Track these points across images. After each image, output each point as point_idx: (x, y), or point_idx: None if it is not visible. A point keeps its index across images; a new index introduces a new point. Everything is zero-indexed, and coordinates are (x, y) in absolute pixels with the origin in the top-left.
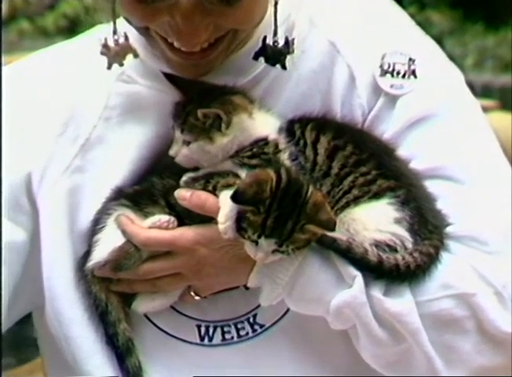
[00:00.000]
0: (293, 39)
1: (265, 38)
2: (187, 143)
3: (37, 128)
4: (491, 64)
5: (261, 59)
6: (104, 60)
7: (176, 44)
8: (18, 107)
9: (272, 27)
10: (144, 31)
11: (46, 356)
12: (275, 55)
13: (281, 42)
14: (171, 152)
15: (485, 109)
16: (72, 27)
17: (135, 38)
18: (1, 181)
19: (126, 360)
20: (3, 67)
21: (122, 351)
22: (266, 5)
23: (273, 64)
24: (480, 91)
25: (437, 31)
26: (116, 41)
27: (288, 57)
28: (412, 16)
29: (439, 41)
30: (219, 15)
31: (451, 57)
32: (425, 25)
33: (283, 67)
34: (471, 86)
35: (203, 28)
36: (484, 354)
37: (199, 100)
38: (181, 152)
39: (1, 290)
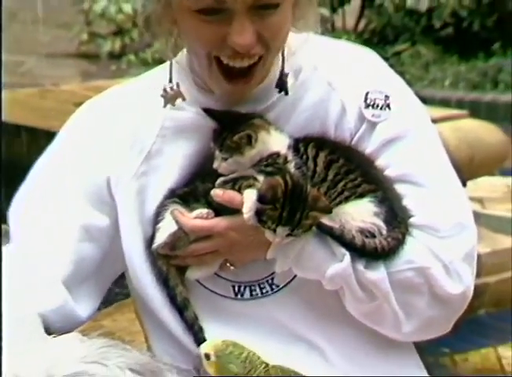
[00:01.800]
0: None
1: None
2: (225, 159)
3: (113, 144)
4: (464, 85)
5: (274, 92)
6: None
7: (228, 58)
8: (101, 127)
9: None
10: (206, 62)
11: (136, 302)
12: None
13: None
14: (215, 166)
15: (459, 117)
16: (164, 60)
17: (189, 83)
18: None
19: (184, 314)
20: (98, 98)
21: (180, 307)
22: (288, 34)
23: (286, 94)
24: (455, 104)
25: (424, 61)
26: (171, 87)
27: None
28: (406, 49)
29: (426, 67)
30: (261, 24)
31: (435, 79)
32: (416, 56)
33: (286, 93)
34: (448, 100)
35: (252, 32)
36: (433, 309)
37: (231, 127)
38: (221, 166)
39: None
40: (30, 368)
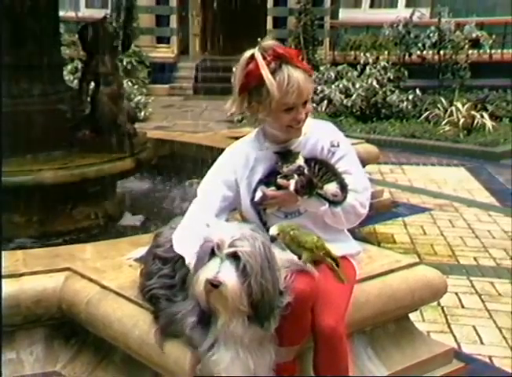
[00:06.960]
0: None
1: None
2: (287, 166)
3: (238, 164)
4: (364, 132)
5: (297, 141)
6: (255, 143)
7: (295, 125)
8: (234, 157)
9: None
10: (285, 128)
11: (242, 215)
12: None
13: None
14: (284, 170)
15: (362, 143)
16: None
17: (263, 137)
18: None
19: (266, 225)
20: (233, 145)
21: (263, 222)
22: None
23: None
24: (361, 139)
25: (350, 123)
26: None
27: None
28: (343, 119)
29: (351, 125)
30: (304, 109)
31: (354, 130)
32: (347, 122)
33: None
34: (358, 137)
35: (303, 113)
36: (356, 218)
37: (289, 154)
38: (287, 169)
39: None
40: (213, 236)
